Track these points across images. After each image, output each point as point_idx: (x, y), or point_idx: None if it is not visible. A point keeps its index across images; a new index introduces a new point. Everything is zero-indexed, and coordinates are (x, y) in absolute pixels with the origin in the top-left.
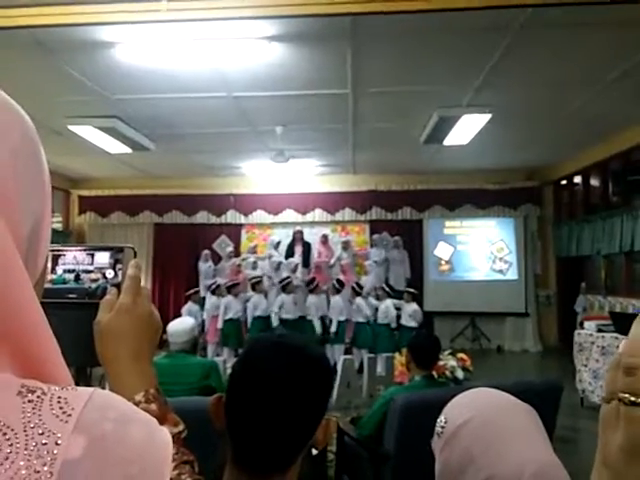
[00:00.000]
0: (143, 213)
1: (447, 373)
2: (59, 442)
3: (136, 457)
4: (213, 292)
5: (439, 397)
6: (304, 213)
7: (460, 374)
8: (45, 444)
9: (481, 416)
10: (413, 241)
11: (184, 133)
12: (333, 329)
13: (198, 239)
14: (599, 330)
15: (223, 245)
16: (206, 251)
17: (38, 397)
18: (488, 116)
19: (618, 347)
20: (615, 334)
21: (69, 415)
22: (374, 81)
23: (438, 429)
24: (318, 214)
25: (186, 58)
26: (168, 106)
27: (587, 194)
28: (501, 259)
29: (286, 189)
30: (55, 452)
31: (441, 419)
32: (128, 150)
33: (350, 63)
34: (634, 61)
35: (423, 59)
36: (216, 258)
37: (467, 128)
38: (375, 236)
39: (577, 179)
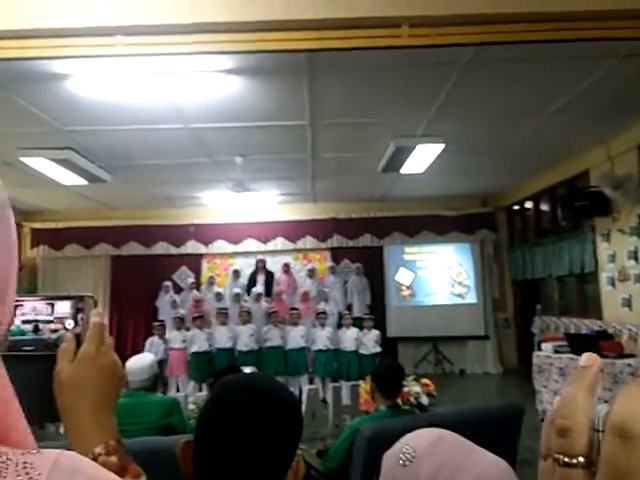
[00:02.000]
0: (99, 245)
1: (412, 399)
2: None
3: None
4: (178, 325)
5: (405, 426)
6: (265, 242)
7: (425, 400)
8: None
9: (448, 434)
10: (374, 267)
11: (141, 164)
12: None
13: (157, 271)
14: (556, 351)
15: (184, 276)
16: (166, 282)
17: (2, 462)
18: (442, 146)
19: (576, 368)
20: (571, 355)
21: None
22: (331, 113)
23: (405, 457)
24: (280, 242)
25: (142, 90)
26: (124, 137)
27: (538, 219)
28: (460, 283)
29: (247, 218)
30: None
31: (406, 448)
32: (83, 182)
33: (307, 96)
34: (573, 94)
35: (377, 92)
36: (177, 290)
37: (422, 157)
38: (333, 264)
39: (528, 204)
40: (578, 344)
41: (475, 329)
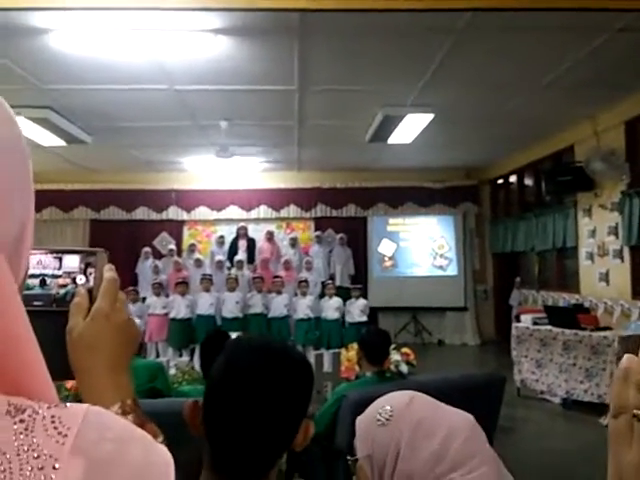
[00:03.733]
0: (78, 209)
1: (392, 367)
2: (57, 466)
3: (136, 478)
4: (157, 291)
5: (391, 392)
6: (249, 210)
7: (404, 368)
8: (42, 468)
9: (418, 395)
10: (357, 238)
11: (123, 126)
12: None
13: (138, 236)
14: (535, 323)
15: (164, 242)
16: (146, 248)
17: (29, 416)
18: (431, 116)
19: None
20: (549, 327)
21: (65, 436)
22: (320, 79)
23: (384, 417)
24: (263, 211)
25: (125, 48)
26: (106, 98)
27: (522, 193)
28: (442, 255)
29: (230, 185)
30: (53, 477)
31: (385, 409)
32: (62, 143)
33: (297, 60)
34: (565, 67)
35: (369, 58)
36: (157, 255)
37: (411, 127)
38: (318, 233)
39: (512, 178)
40: (556, 316)
41: (455, 300)
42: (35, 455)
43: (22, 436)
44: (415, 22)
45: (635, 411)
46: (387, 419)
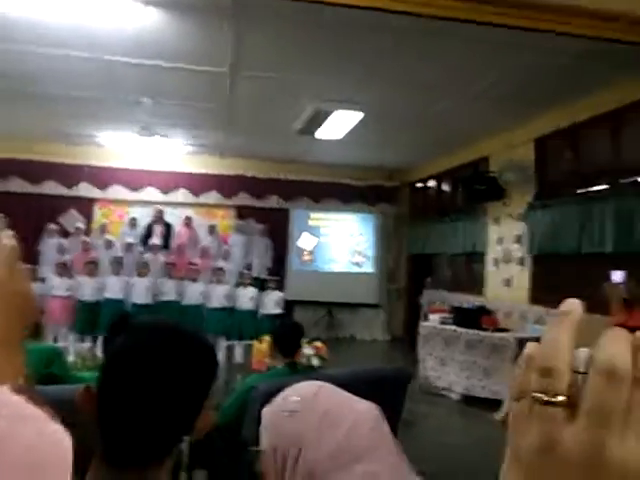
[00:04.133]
0: None
1: (303, 360)
2: None
3: (30, 456)
4: (61, 271)
5: None
6: (166, 192)
7: (315, 362)
8: None
9: (324, 387)
10: (278, 230)
11: (34, 91)
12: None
13: (43, 211)
14: (442, 322)
15: (72, 220)
16: (52, 225)
17: None
18: (360, 114)
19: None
20: (454, 327)
21: None
22: (253, 64)
23: (290, 408)
24: (182, 194)
25: (44, 5)
26: (14, 58)
27: (439, 198)
28: (360, 253)
29: (149, 165)
30: None
31: (292, 399)
32: None
33: (231, 42)
34: (490, 80)
35: (303, 49)
36: (63, 234)
37: (339, 124)
38: (239, 222)
39: (431, 183)
40: (461, 317)
41: (369, 297)
42: None
43: None
44: (353, 18)
45: (534, 394)
46: (293, 410)
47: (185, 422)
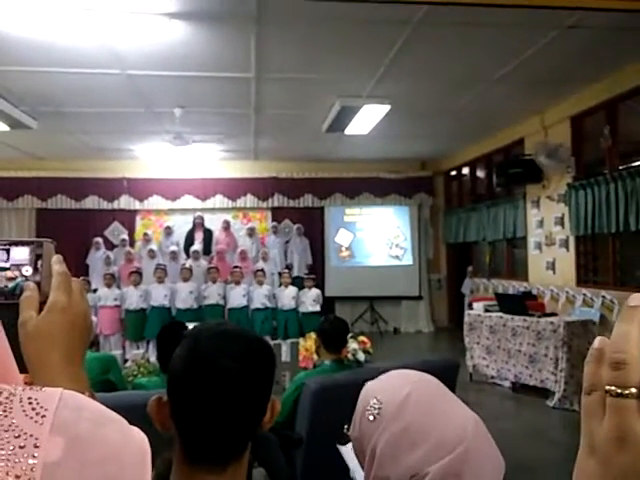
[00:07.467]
0: (23, 197)
1: (349, 356)
2: (38, 444)
3: (114, 457)
4: (109, 282)
5: (350, 380)
6: (204, 199)
7: (361, 356)
8: (23, 447)
9: (417, 390)
10: (314, 228)
11: (71, 111)
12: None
13: (88, 226)
14: (486, 310)
15: (116, 232)
16: (98, 239)
17: (6, 398)
18: (387, 107)
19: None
20: (500, 314)
21: (43, 416)
22: (278, 67)
23: (372, 412)
24: (219, 200)
25: (74, 30)
26: (52, 81)
27: (474, 185)
28: (397, 245)
29: (184, 174)
30: (35, 455)
31: (374, 402)
32: (5, 128)
33: (254, 47)
34: (514, 64)
35: (326, 48)
36: (109, 246)
37: (368, 118)
38: (275, 223)
39: (465, 170)
40: (506, 303)
41: (410, 289)
42: (15, 435)
43: (1, 417)
44: (373, 13)
45: (607, 387)
46: (374, 415)
47: (257, 416)
